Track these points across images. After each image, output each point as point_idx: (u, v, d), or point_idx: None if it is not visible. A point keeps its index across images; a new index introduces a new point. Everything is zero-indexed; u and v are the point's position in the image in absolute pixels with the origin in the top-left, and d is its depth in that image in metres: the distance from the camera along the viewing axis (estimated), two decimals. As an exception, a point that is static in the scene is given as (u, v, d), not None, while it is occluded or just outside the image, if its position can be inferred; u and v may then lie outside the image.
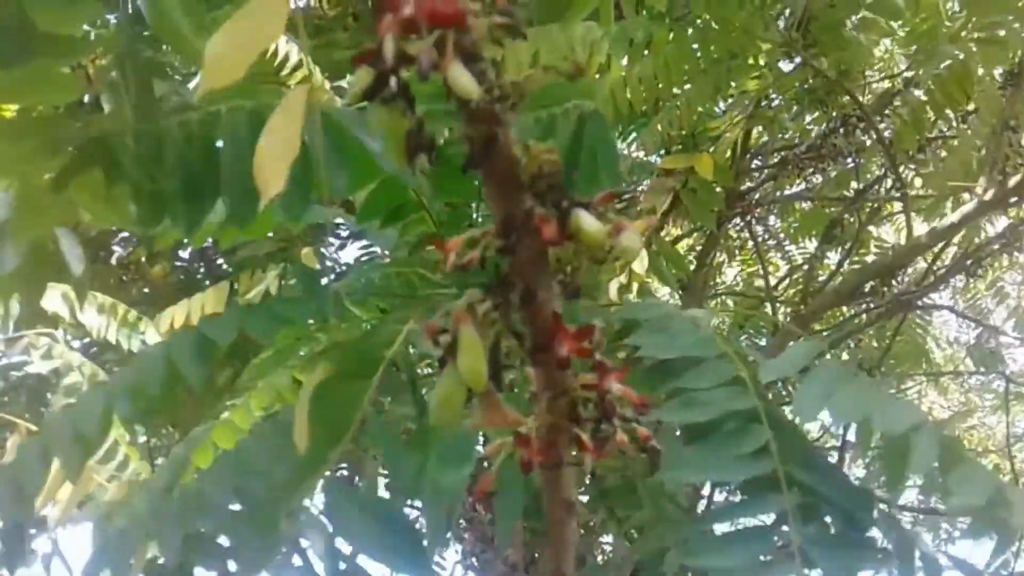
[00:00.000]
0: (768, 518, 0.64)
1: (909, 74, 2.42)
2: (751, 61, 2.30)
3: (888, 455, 0.64)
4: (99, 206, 0.80)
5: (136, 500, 1.02)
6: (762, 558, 0.60)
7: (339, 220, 1.19)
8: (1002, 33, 2.24)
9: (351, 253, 2.78)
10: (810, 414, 0.67)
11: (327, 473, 0.65)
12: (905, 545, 0.63)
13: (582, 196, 0.46)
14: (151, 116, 0.75)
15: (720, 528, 0.66)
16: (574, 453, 0.59)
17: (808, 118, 2.79)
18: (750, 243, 3.24)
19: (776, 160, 2.94)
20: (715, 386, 0.67)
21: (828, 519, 0.61)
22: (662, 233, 2.62)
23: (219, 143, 0.79)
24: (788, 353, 0.72)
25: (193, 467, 1.04)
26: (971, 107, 2.41)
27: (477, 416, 0.50)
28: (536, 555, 1.83)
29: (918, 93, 2.38)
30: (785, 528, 0.60)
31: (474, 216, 1.12)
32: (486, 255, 0.46)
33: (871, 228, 3.15)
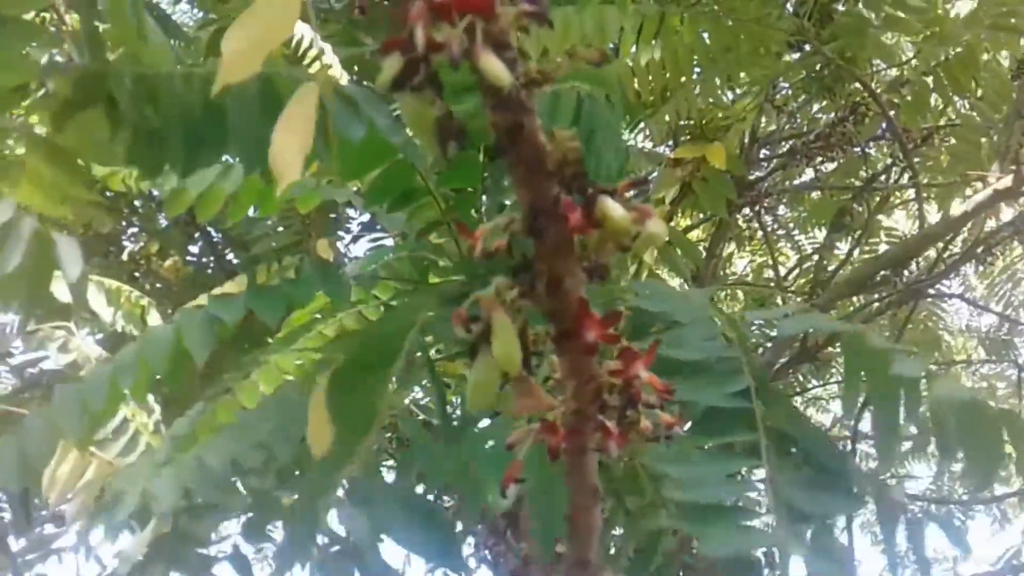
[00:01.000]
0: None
1: (916, 62, 2.40)
2: (761, 50, 2.29)
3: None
4: (97, 150, 0.83)
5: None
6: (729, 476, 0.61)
7: (351, 214, 1.21)
8: (1013, 20, 2.22)
9: (363, 246, 2.80)
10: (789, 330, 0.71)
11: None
12: (884, 496, 0.64)
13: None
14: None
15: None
16: (598, 439, 0.59)
17: (816, 107, 2.78)
18: (759, 233, 3.23)
19: (785, 149, 2.94)
20: (704, 339, 0.72)
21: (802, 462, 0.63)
22: (671, 223, 2.61)
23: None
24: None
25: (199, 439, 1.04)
26: (980, 94, 2.40)
27: (513, 402, 0.50)
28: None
29: (926, 79, 2.37)
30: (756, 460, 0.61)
31: (481, 201, 1.13)
32: (512, 242, 0.46)
33: (880, 217, 3.13)
